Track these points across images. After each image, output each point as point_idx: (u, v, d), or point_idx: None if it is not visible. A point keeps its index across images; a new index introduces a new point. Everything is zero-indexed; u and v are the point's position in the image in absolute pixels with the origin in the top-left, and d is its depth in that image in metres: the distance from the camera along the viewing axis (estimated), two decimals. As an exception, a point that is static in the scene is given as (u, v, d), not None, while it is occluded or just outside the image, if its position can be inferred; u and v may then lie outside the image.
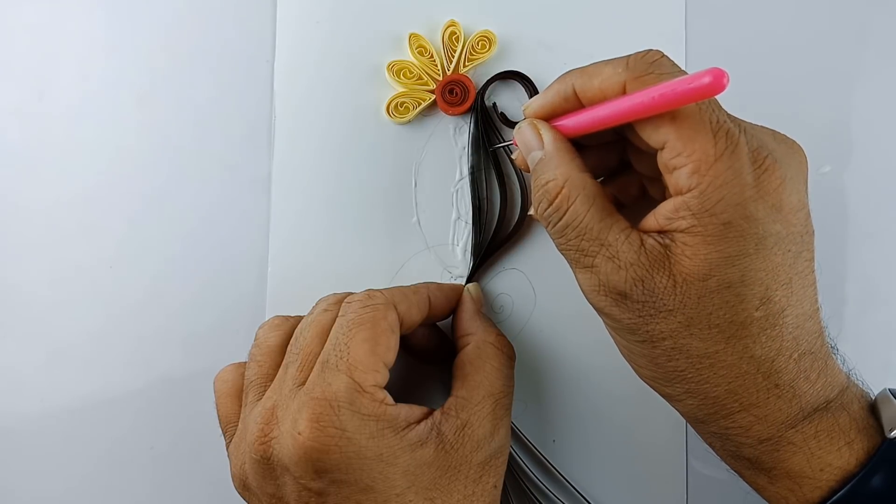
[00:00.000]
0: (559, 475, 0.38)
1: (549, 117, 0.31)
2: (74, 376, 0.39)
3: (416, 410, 0.30)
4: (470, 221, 0.39)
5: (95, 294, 0.39)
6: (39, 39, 0.40)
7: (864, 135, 0.40)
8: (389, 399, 0.30)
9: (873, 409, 0.30)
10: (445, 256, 0.39)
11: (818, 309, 0.29)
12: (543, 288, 0.39)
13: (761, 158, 0.26)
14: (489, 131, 0.39)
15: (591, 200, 0.28)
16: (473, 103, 0.38)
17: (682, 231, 0.27)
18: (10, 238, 0.39)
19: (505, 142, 0.38)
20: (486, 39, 0.39)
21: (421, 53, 0.39)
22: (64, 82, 0.40)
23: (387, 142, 0.39)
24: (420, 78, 0.39)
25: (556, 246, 0.30)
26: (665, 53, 0.28)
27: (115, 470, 0.39)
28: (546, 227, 0.30)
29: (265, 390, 0.32)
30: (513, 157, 0.34)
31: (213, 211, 0.39)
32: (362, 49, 0.39)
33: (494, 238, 0.38)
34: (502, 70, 0.39)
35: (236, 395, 0.34)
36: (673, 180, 0.27)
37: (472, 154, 0.38)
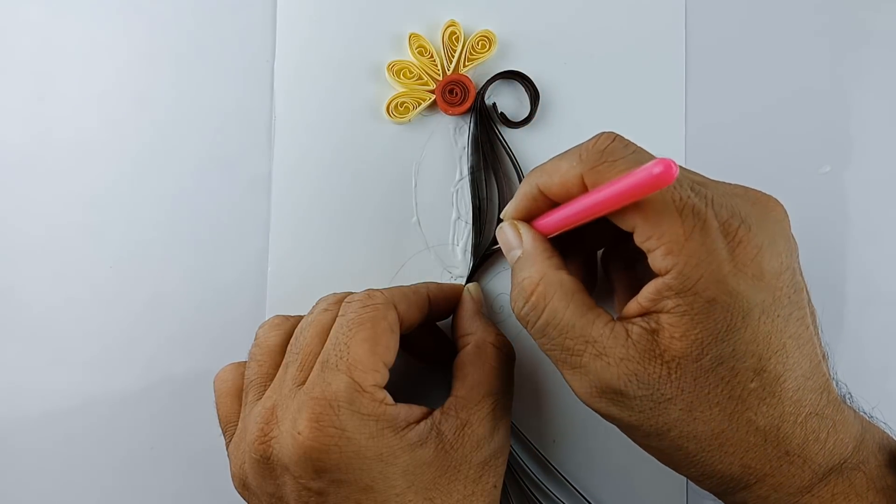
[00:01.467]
0: (559, 475, 0.38)
1: (526, 218, 0.32)
2: (75, 376, 0.39)
3: (415, 410, 0.30)
4: (470, 221, 0.39)
5: (96, 294, 0.39)
6: (40, 39, 0.40)
7: (864, 135, 0.40)
8: (389, 399, 0.30)
9: (892, 462, 0.29)
10: (445, 256, 0.39)
11: (819, 362, 0.28)
12: (543, 288, 0.39)
13: (733, 230, 0.26)
14: (489, 131, 0.39)
15: (569, 297, 0.28)
16: (473, 103, 0.38)
17: (668, 312, 0.26)
18: (11, 238, 0.39)
19: (503, 152, 0.39)
20: (486, 39, 0.39)
21: (421, 53, 0.39)
22: (64, 82, 0.40)
23: (387, 142, 0.39)
24: (420, 78, 0.39)
25: (540, 347, 0.29)
26: (617, 135, 0.28)
27: (115, 470, 0.39)
28: (526, 328, 0.30)
29: (265, 390, 0.32)
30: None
31: (213, 211, 0.39)
32: (362, 49, 0.39)
33: (495, 242, 0.38)
34: (502, 70, 0.39)
35: (236, 394, 0.34)
36: (652, 262, 0.26)
37: (472, 154, 0.38)
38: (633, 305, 0.28)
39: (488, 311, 0.38)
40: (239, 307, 0.39)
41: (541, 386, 0.38)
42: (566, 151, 0.29)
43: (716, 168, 0.39)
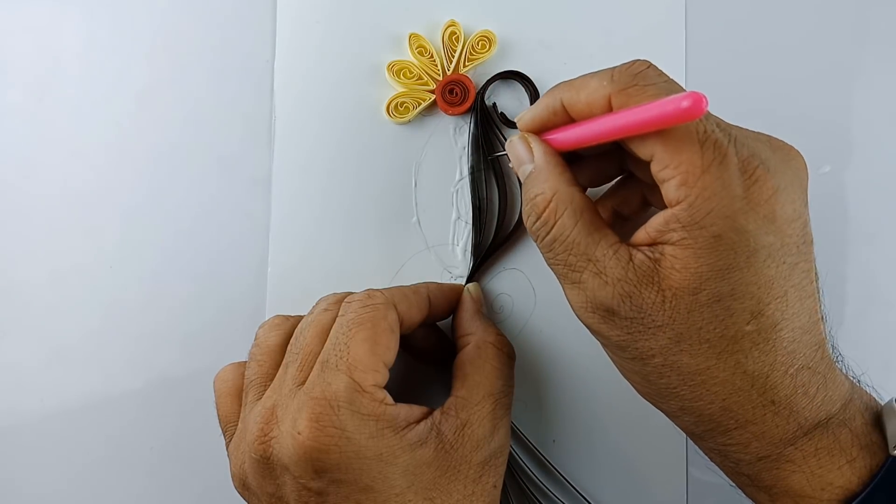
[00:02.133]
0: (559, 475, 0.38)
1: (540, 131, 0.31)
2: (74, 376, 0.39)
3: (415, 410, 0.30)
4: (470, 221, 0.39)
5: (95, 293, 0.39)
6: (39, 39, 0.40)
7: (864, 135, 0.40)
8: (389, 399, 0.30)
9: (878, 422, 0.29)
10: (445, 256, 0.39)
11: (819, 320, 0.28)
12: (543, 288, 0.39)
13: (751, 169, 0.26)
14: (489, 131, 0.39)
15: (578, 214, 0.28)
16: (473, 103, 0.38)
17: (672, 244, 0.26)
18: (11, 237, 0.39)
19: (503, 151, 0.38)
20: (486, 39, 0.39)
21: (421, 53, 0.39)
22: (64, 82, 0.40)
23: (387, 142, 0.39)
24: (420, 78, 0.39)
25: (545, 260, 0.30)
26: (652, 63, 0.28)
27: (115, 470, 0.39)
28: (535, 241, 0.30)
29: (265, 390, 0.32)
30: (510, 165, 0.34)
31: (213, 211, 0.39)
32: (362, 49, 0.39)
33: (494, 238, 0.38)
34: (502, 70, 0.39)
35: (236, 394, 0.34)
36: (664, 193, 0.26)
37: (472, 154, 0.38)
38: (641, 233, 0.27)
39: (488, 311, 0.38)
40: (239, 307, 0.39)
41: (541, 386, 0.38)
42: (597, 71, 0.29)
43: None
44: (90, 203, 0.39)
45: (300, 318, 0.34)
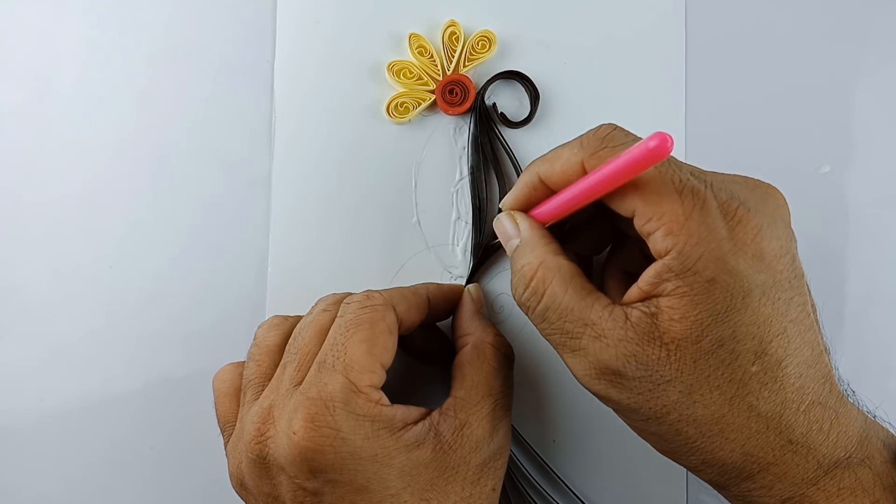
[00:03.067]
0: (557, 478, 0.38)
1: (525, 208, 0.32)
2: (74, 376, 0.39)
3: (413, 411, 0.30)
4: (470, 221, 0.39)
5: (95, 293, 0.39)
6: (39, 39, 0.40)
7: (864, 135, 0.40)
8: (385, 400, 0.30)
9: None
10: (445, 257, 0.39)
11: (822, 352, 0.28)
12: (543, 288, 0.39)
13: (732, 210, 0.26)
14: (489, 131, 0.39)
15: (567, 281, 0.28)
16: (473, 103, 0.38)
17: (667, 295, 0.26)
18: (10, 237, 0.39)
19: (502, 149, 0.39)
20: (486, 39, 0.39)
21: (421, 53, 0.39)
22: (64, 82, 0.40)
23: (387, 142, 0.39)
24: (420, 78, 0.39)
25: (540, 332, 0.29)
26: (617, 125, 0.28)
27: (115, 470, 0.39)
28: (527, 314, 0.30)
29: (263, 389, 0.32)
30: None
31: (213, 211, 0.39)
32: (362, 49, 0.39)
33: (494, 238, 0.38)
34: (502, 70, 0.39)
35: (235, 394, 0.34)
36: (651, 246, 0.26)
37: (472, 154, 0.38)
38: (633, 291, 0.27)
39: (488, 311, 0.38)
40: (239, 307, 0.39)
41: (541, 386, 0.38)
42: (567, 142, 0.29)
43: (716, 168, 0.39)
44: (90, 203, 0.39)
45: (299, 318, 0.34)
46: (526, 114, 0.39)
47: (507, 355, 0.34)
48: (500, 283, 0.39)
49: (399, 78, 0.39)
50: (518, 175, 0.38)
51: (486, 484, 0.31)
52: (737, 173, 0.29)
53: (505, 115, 0.39)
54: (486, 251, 0.38)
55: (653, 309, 0.26)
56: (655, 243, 0.26)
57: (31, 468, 0.39)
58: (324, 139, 0.39)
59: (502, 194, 0.38)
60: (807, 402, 0.27)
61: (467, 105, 0.38)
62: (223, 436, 0.34)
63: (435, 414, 0.31)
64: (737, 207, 0.26)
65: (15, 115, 0.39)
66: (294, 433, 0.28)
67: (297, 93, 0.39)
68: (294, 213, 0.39)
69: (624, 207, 0.27)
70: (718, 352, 0.26)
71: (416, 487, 0.29)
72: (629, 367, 0.27)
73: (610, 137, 0.28)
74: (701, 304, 0.25)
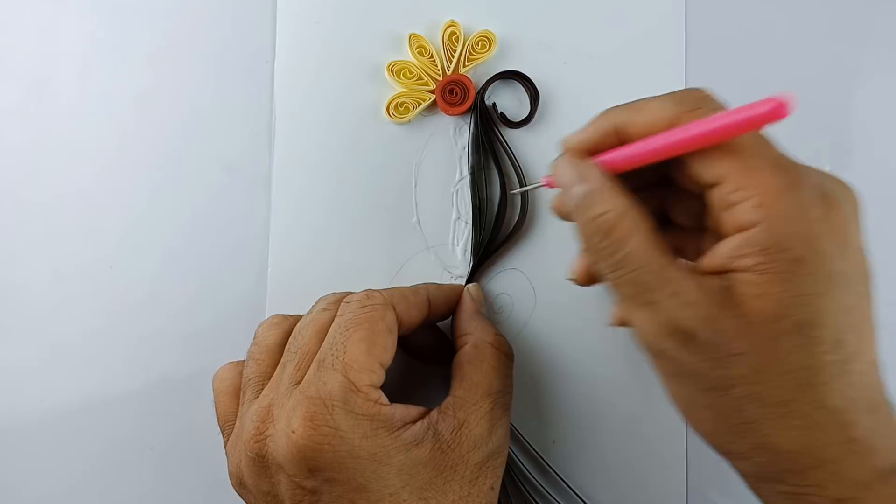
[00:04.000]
0: (558, 477, 0.38)
1: (587, 154, 0.30)
2: (74, 376, 0.39)
3: (412, 410, 0.30)
4: (470, 221, 0.39)
5: (95, 294, 0.39)
6: (39, 39, 0.40)
7: (864, 135, 0.40)
8: (384, 399, 0.30)
9: None
10: (445, 256, 0.39)
11: (877, 356, 0.27)
12: (544, 288, 0.39)
13: (825, 194, 0.25)
14: (489, 131, 0.39)
15: (651, 234, 0.27)
16: (473, 103, 0.38)
17: (747, 270, 0.25)
18: (10, 237, 0.39)
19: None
20: (486, 39, 0.39)
21: (421, 53, 0.39)
22: (64, 82, 0.40)
23: (387, 142, 0.39)
24: (420, 78, 0.39)
25: (609, 280, 0.28)
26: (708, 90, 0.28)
27: (115, 470, 0.39)
28: (598, 262, 0.28)
29: (263, 388, 0.32)
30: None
31: (213, 211, 0.39)
32: (362, 49, 0.39)
33: (494, 238, 0.38)
34: (502, 70, 0.39)
35: (234, 393, 0.34)
36: (732, 217, 0.25)
37: (472, 154, 0.38)
38: (708, 260, 0.26)
39: (488, 311, 0.38)
40: (239, 307, 0.39)
41: (541, 386, 0.38)
42: (653, 96, 0.28)
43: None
44: (90, 203, 0.39)
45: (299, 317, 0.34)
46: (526, 114, 0.39)
47: (507, 354, 0.34)
48: (501, 283, 0.39)
49: (399, 78, 0.39)
50: (518, 175, 0.38)
51: (484, 483, 0.31)
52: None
53: (505, 114, 0.39)
54: (486, 251, 0.38)
55: (727, 282, 0.25)
56: (741, 214, 0.25)
57: (31, 468, 0.39)
58: (324, 139, 0.39)
59: (502, 194, 0.38)
60: (872, 402, 0.26)
61: (467, 105, 0.38)
62: (223, 435, 0.34)
63: (434, 413, 0.31)
64: (828, 193, 0.25)
65: (15, 115, 0.39)
66: (293, 432, 0.28)
67: (297, 93, 0.39)
68: (294, 213, 0.39)
69: (710, 172, 0.26)
70: (797, 335, 0.25)
71: (415, 486, 0.29)
72: (703, 331, 0.25)
73: (705, 99, 0.27)
74: (784, 284, 0.24)
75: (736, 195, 0.25)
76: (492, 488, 0.31)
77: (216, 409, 0.34)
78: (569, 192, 0.29)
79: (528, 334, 0.38)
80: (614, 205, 0.27)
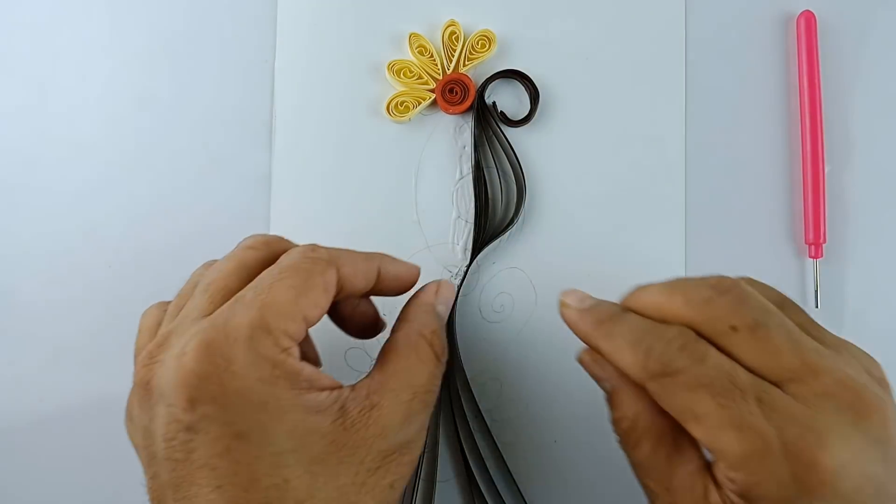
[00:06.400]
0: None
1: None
2: (74, 376, 0.39)
3: (323, 378, 0.27)
4: (470, 220, 0.39)
5: (95, 294, 0.39)
6: (39, 39, 0.40)
7: (864, 135, 0.40)
8: (296, 352, 0.27)
9: None
10: (445, 255, 0.39)
11: None
12: (544, 287, 0.39)
13: (798, 452, 0.24)
14: (489, 130, 0.39)
15: (657, 440, 0.27)
16: (473, 102, 0.38)
17: None
18: (10, 237, 0.39)
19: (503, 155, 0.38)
20: (486, 38, 0.39)
21: (421, 53, 0.39)
22: (64, 82, 0.40)
23: (387, 141, 0.39)
24: (420, 77, 0.39)
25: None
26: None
27: (115, 470, 0.38)
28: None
29: None
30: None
31: (213, 210, 0.39)
32: (362, 49, 0.39)
33: (494, 237, 0.38)
34: (502, 69, 0.39)
35: (155, 329, 0.31)
36: (717, 471, 0.26)
37: (472, 153, 0.38)
38: (719, 474, 0.26)
39: (488, 311, 0.38)
40: (239, 307, 0.39)
41: (542, 385, 0.38)
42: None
43: (717, 167, 0.39)
44: (90, 203, 0.39)
45: None
46: (526, 112, 0.39)
47: (437, 354, 0.31)
48: (501, 282, 0.39)
49: (399, 77, 0.39)
50: (518, 175, 0.38)
51: (384, 477, 0.28)
52: (863, 352, 0.28)
53: (505, 113, 0.39)
54: (480, 245, 0.38)
55: None
56: (719, 471, 0.25)
57: (31, 468, 0.38)
58: (324, 139, 0.39)
59: (503, 193, 0.38)
60: None
61: (467, 104, 0.38)
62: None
63: (346, 389, 0.28)
64: (803, 450, 0.24)
65: (15, 115, 0.39)
66: (184, 354, 0.25)
67: (297, 93, 0.39)
68: (294, 212, 0.39)
69: (687, 428, 0.26)
70: None
71: (304, 455, 0.26)
72: None
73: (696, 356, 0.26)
74: None
75: (710, 454, 0.26)
76: (391, 486, 0.28)
77: (135, 344, 0.31)
78: (599, 384, 0.30)
79: (529, 333, 0.38)
80: (626, 412, 0.28)
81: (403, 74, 0.39)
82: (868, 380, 0.26)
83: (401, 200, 0.39)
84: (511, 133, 0.39)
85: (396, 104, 0.38)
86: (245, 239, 0.31)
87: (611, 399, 0.29)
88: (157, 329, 0.30)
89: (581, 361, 0.30)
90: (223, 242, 0.39)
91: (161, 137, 0.39)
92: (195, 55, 0.40)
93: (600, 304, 0.29)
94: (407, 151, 0.39)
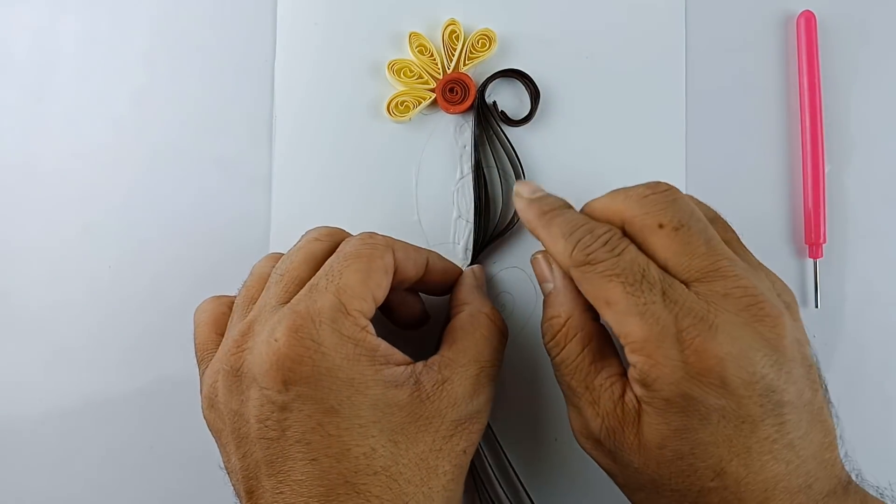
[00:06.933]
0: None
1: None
2: (74, 376, 0.39)
3: (397, 354, 0.30)
4: (471, 220, 0.39)
5: (95, 294, 0.39)
6: (39, 40, 0.40)
7: (864, 135, 0.40)
8: (372, 329, 0.29)
9: None
10: (446, 255, 0.38)
11: (805, 461, 0.27)
12: (544, 287, 0.39)
13: (689, 339, 0.26)
14: (490, 129, 0.39)
15: (585, 341, 0.30)
16: (474, 102, 0.38)
17: (640, 399, 0.28)
18: (10, 238, 0.39)
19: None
20: (486, 38, 0.39)
21: (421, 52, 0.39)
22: (63, 82, 0.40)
23: (387, 141, 0.39)
24: (420, 77, 0.39)
25: (556, 378, 0.31)
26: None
27: (115, 470, 0.39)
28: (550, 357, 0.31)
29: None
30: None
31: (214, 210, 0.39)
32: (362, 48, 0.39)
33: (494, 237, 0.38)
34: (502, 68, 0.39)
35: (213, 323, 0.33)
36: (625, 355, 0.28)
37: (473, 152, 0.38)
38: (629, 372, 0.29)
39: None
40: (239, 307, 0.39)
41: (543, 384, 0.38)
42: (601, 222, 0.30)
43: (717, 167, 0.39)
44: (89, 203, 0.39)
45: None
46: (526, 112, 0.39)
47: (500, 329, 0.33)
48: (502, 281, 0.39)
49: (399, 77, 0.39)
50: (518, 174, 0.38)
51: (457, 443, 0.30)
52: (768, 269, 0.30)
53: (505, 113, 0.39)
54: (482, 244, 0.38)
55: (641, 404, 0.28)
56: (625, 355, 0.28)
57: (32, 468, 0.38)
58: (324, 139, 0.39)
59: (503, 192, 0.38)
60: None
61: (468, 103, 0.38)
62: (200, 366, 0.33)
63: (419, 364, 0.30)
64: (695, 337, 0.26)
65: (15, 115, 0.39)
66: (276, 340, 0.28)
67: (297, 93, 0.39)
68: (294, 212, 0.39)
69: (601, 314, 0.29)
70: (678, 462, 0.27)
71: (387, 426, 0.28)
72: (608, 441, 0.29)
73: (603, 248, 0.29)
74: (661, 417, 0.27)
75: (619, 340, 0.28)
76: (464, 451, 0.31)
77: (195, 339, 0.33)
78: (541, 285, 0.33)
79: (530, 332, 0.38)
80: (563, 310, 0.30)
81: (404, 74, 0.39)
82: (773, 295, 0.28)
83: (401, 200, 0.39)
84: (511, 132, 0.39)
85: (397, 104, 0.38)
86: (309, 231, 0.33)
87: (547, 300, 0.31)
88: (216, 324, 0.33)
89: (532, 260, 0.33)
90: (223, 242, 0.39)
91: (161, 137, 0.39)
92: (195, 55, 0.40)
93: (547, 196, 0.32)
94: (407, 151, 0.39)
